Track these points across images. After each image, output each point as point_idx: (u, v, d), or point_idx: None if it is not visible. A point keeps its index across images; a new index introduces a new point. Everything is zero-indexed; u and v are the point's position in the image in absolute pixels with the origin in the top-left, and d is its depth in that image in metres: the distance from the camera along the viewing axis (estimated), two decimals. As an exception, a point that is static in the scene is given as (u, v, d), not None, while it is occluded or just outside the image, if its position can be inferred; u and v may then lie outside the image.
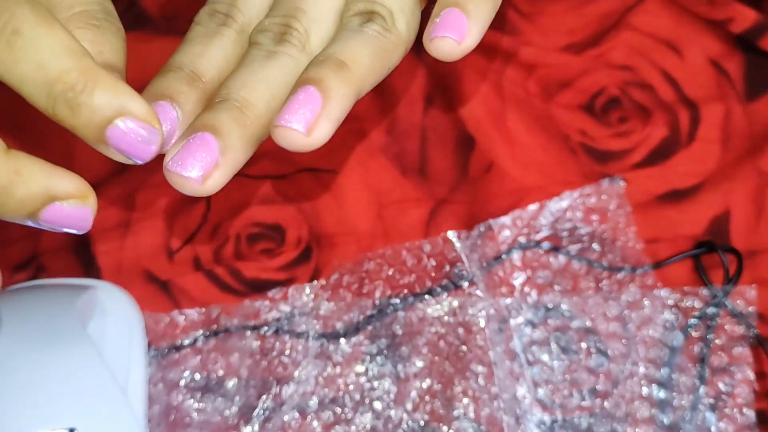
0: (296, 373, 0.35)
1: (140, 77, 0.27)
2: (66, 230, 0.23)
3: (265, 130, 0.25)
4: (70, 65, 0.21)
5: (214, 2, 0.28)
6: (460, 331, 0.36)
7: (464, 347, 0.35)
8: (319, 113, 0.23)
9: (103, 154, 0.23)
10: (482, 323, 0.35)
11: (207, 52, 0.26)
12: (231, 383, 0.35)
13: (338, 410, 0.35)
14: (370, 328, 0.36)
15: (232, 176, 0.24)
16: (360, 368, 0.35)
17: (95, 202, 0.23)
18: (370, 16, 0.25)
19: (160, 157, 0.24)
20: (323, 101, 0.23)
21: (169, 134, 0.25)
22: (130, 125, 0.22)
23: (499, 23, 0.41)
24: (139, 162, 0.23)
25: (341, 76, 0.24)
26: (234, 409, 0.35)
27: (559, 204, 0.37)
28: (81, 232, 0.23)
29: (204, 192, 0.24)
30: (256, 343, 0.36)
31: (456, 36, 0.24)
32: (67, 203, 0.22)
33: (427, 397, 0.35)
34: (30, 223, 0.22)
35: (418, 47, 0.40)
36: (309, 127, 0.23)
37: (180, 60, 0.26)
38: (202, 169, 0.23)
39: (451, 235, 0.37)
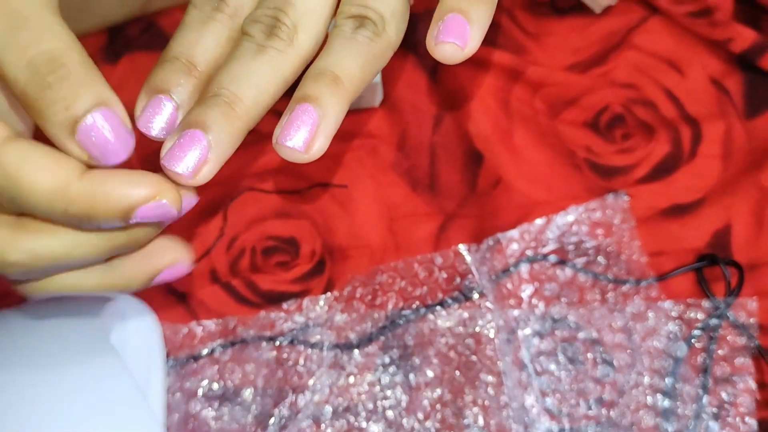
0: (311, 383, 0.36)
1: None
2: None
3: (252, 122, 0.26)
4: (53, 46, 0.22)
5: None
6: (470, 341, 0.36)
7: (474, 357, 0.36)
8: (316, 131, 0.24)
9: (68, 152, 0.23)
10: (492, 334, 0.36)
11: (201, 40, 0.27)
12: (248, 392, 0.36)
13: (351, 419, 0.35)
14: (382, 338, 0.36)
15: (218, 170, 0.25)
16: (373, 378, 0.36)
17: None
18: (362, 21, 0.26)
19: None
20: (319, 120, 0.25)
21: (169, 126, 0.26)
22: (103, 122, 0.23)
23: (506, 43, 0.42)
24: (107, 164, 0.23)
25: (336, 93, 0.25)
26: (250, 417, 0.35)
27: (565, 218, 0.38)
28: None
29: (193, 185, 0.25)
30: (271, 354, 0.36)
31: (459, 42, 0.25)
32: None
33: (438, 406, 0.35)
34: None
35: (429, 65, 0.41)
36: (307, 145, 0.24)
37: (177, 50, 0.27)
38: (193, 165, 0.24)
39: (462, 248, 0.38)
